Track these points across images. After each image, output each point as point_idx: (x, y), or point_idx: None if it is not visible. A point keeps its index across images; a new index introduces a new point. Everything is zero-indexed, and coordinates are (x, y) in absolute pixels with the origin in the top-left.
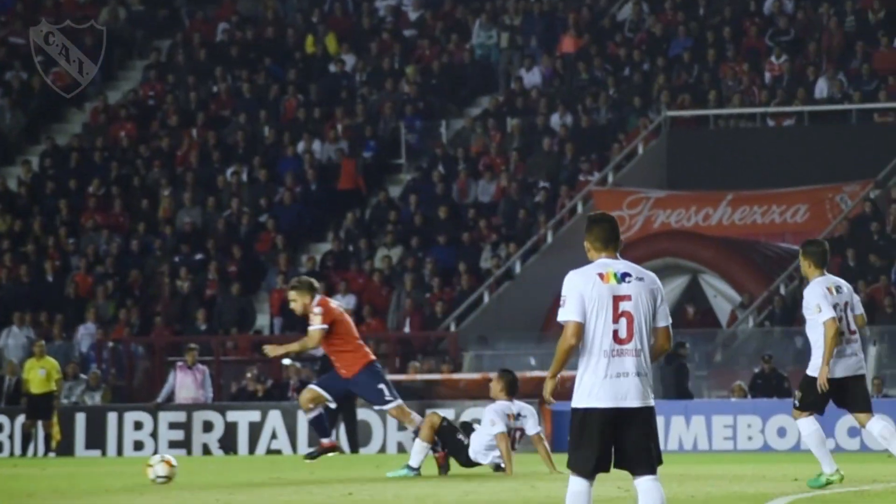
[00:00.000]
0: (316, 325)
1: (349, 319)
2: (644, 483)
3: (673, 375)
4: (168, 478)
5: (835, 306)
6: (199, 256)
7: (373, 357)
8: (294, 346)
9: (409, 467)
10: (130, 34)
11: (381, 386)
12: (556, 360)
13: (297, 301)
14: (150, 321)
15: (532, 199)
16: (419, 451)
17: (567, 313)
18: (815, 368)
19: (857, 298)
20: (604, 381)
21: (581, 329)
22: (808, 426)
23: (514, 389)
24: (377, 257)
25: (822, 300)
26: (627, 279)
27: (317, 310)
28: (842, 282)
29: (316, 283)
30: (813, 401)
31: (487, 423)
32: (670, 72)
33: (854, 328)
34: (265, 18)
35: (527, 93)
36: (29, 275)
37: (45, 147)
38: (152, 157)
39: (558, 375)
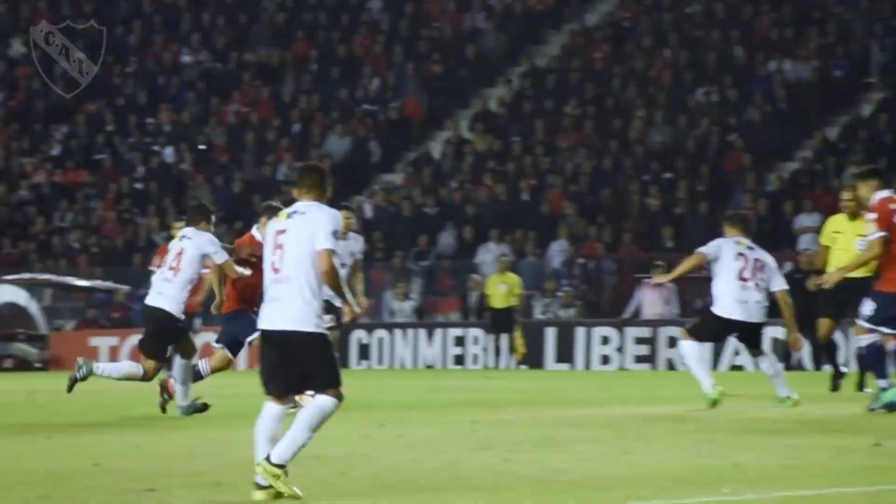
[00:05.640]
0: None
1: None
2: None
3: None
4: None
5: None
6: (668, 175)
7: None
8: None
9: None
10: None
11: None
12: None
13: None
14: (619, 238)
15: None
16: None
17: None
18: None
19: None
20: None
21: None
22: None
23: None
24: (845, 175)
25: None
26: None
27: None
28: None
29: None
30: None
31: None
32: None
33: None
34: None
35: None
36: (506, 193)
37: (525, 69)
38: (626, 77)
39: None
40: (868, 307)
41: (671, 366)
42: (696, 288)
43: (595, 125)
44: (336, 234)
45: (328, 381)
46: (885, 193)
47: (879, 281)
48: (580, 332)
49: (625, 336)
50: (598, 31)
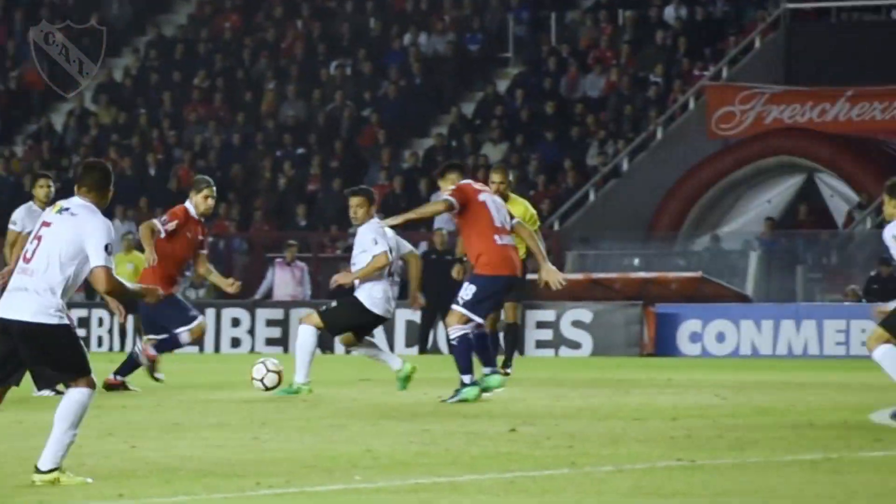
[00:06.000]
0: None
1: None
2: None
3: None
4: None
5: None
6: (300, 151)
7: None
8: None
9: None
10: None
11: None
12: None
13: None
14: (250, 216)
15: (643, 94)
16: None
17: None
18: None
19: None
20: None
21: None
22: None
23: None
24: (481, 153)
25: None
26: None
27: None
28: None
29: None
30: None
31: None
32: None
33: None
34: None
35: None
36: (133, 167)
37: (151, 38)
38: (257, 49)
39: None
40: (467, 291)
41: None
42: (329, 269)
43: (224, 98)
44: (108, 249)
45: (78, 371)
46: (467, 181)
47: (476, 265)
48: (210, 313)
49: (256, 318)
50: (228, 1)
